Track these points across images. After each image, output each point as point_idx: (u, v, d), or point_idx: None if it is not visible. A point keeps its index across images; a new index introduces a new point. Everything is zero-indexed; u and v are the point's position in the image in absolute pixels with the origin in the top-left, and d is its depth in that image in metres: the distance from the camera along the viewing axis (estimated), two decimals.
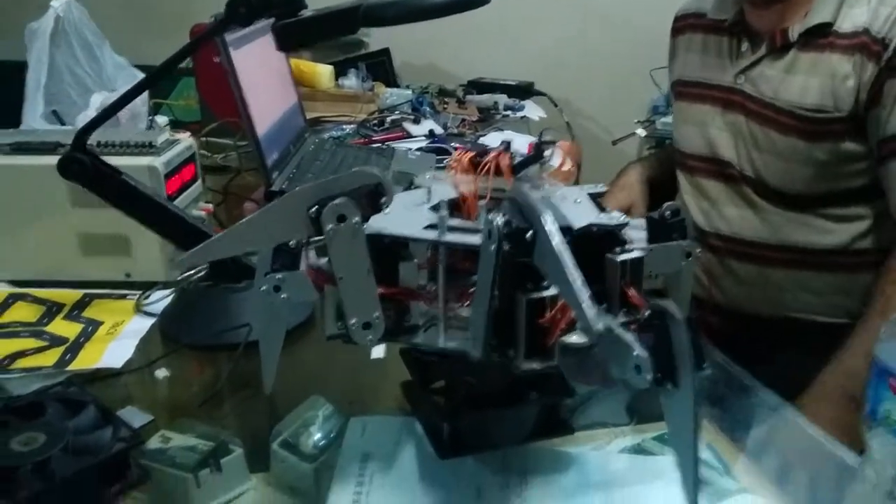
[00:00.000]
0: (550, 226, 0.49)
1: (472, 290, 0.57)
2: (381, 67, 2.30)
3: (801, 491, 0.67)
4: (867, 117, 1.11)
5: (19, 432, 0.62)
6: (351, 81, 2.08)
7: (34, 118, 1.31)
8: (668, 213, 0.70)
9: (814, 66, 1.14)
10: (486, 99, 2.09)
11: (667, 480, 0.66)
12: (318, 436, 0.73)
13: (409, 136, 1.80)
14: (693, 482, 0.57)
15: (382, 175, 0.57)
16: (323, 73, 2.03)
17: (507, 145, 0.65)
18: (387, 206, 0.58)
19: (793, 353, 1.05)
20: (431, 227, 0.60)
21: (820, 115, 1.12)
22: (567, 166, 0.63)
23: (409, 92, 2.08)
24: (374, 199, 0.58)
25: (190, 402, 0.80)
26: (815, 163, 1.15)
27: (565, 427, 0.72)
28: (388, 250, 0.60)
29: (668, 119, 2.06)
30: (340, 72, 2.11)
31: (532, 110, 2.10)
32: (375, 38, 2.44)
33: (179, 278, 1.02)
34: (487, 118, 1.99)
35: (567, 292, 0.46)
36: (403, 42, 2.44)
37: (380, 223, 0.60)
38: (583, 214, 0.61)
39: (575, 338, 0.84)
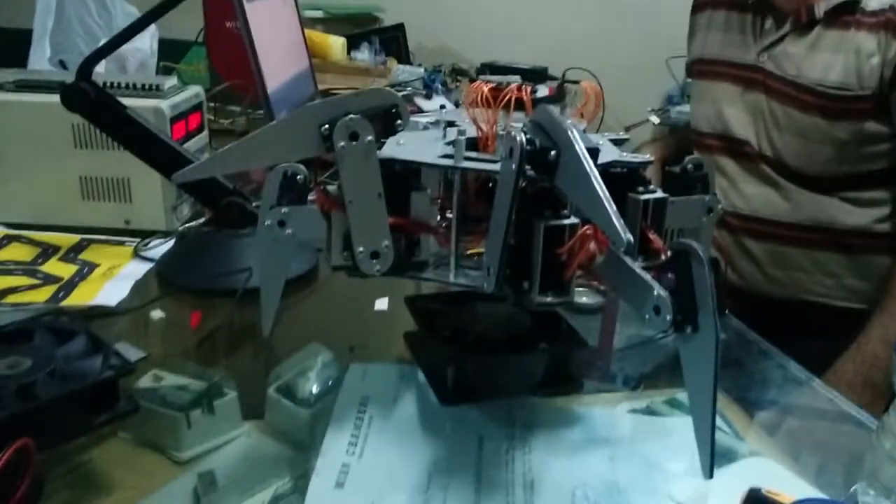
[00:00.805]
0: (577, 141, 0.46)
1: (487, 229, 0.55)
2: (394, 43, 2.26)
3: (814, 456, 0.64)
4: (891, 97, 1.08)
5: (5, 356, 0.59)
6: (363, 55, 2.05)
7: (40, 63, 1.28)
8: (690, 165, 0.68)
9: (838, 44, 1.11)
10: (499, 79, 2.05)
11: (675, 441, 0.63)
12: (315, 383, 0.71)
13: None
14: (709, 435, 0.55)
15: (399, 97, 0.54)
16: (335, 44, 2.00)
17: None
18: (402, 129, 0.55)
19: (807, 338, 1.02)
20: (447, 157, 0.57)
21: (842, 93, 1.10)
22: (591, 106, 0.60)
23: (422, 70, 2.05)
24: (388, 120, 0.55)
25: (185, 345, 0.78)
26: (836, 142, 1.12)
27: (574, 383, 0.69)
28: (400, 179, 0.57)
29: (682, 108, 2.03)
30: (353, 45, 2.08)
31: (545, 93, 2.07)
32: (390, 14, 2.42)
33: (181, 227, 1.00)
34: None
35: (593, 206, 0.43)
36: (418, 22, 2.42)
37: (393, 150, 0.57)
38: (605, 154, 0.59)
39: (586, 298, 0.83)
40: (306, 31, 1.76)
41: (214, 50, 1.76)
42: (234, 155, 0.55)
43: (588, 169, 0.44)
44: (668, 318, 0.50)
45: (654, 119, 2.16)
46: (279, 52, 1.39)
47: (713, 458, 0.55)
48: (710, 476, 0.55)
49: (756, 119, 1.20)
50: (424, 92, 1.87)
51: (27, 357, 0.58)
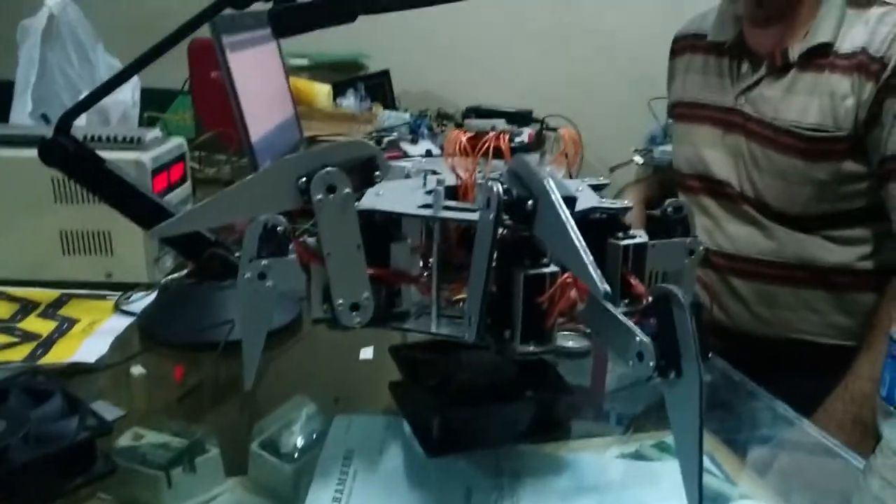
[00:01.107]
0: (553, 191, 0.46)
1: (468, 278, 0.54)
2: (379, 89, 2.29)
3: (805, 497, 0.64)
4: (867, 137, 1.10)
5: None
6: (349, 101, 2.07)
7: (22, 117, 1.28)
8: (670, 209, 0.68)
9: (813, 87, 1.13)
10: (484, 123, 2.07)
11: (665, 486, 0.62)
12: (300, 436, 0.70)
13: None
14: (697, 482, 0.54)
15: (376, 148, 0.54)
16: (320, 91, 2.02)
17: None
18: (380, 180, 0.55)
19: (794, 376, 1.02)
20: (426, 206, 0.57)
21: (819, 134, 1.11)
22: (570, 153, 0.60)
23: (407, 115, 2.07)
24: (366, 172, 0.55)
25: (166, 401, 0.76)
26: (816, 183, 1.13)
27: (561, 429, 0.68)
28: (380, 229, 0.57)
29: (665, 148, 2.05)
30: (339, 92, 2.10)
31: (525, 139, 2.09)
32: (375, 60, 2.44)
33: (163, 280, 0.99)
34: None
35: (570, 257, 0.43)
36: (403, 68, 2.45)
37: (371, 201, 0.57)
38: (584, 200, 0.59)
39: (572, 342, 0.82)
40: (291, 78, 1.78)
41: (200, 99, 1.76)
42: (212, 210, 0.54)
43: (564, 219, 0.44)
44: (652, 364, 0.50)
45: (638, 159, 2.17)
46: (264, 100, 1.40)
47: (701, 502, 0.54)
48: None
49: (737, 161, 1.21)
50: (410, 137, 1.88)
51: (1, 420, 0.57)
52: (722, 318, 1.24)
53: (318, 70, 2.27)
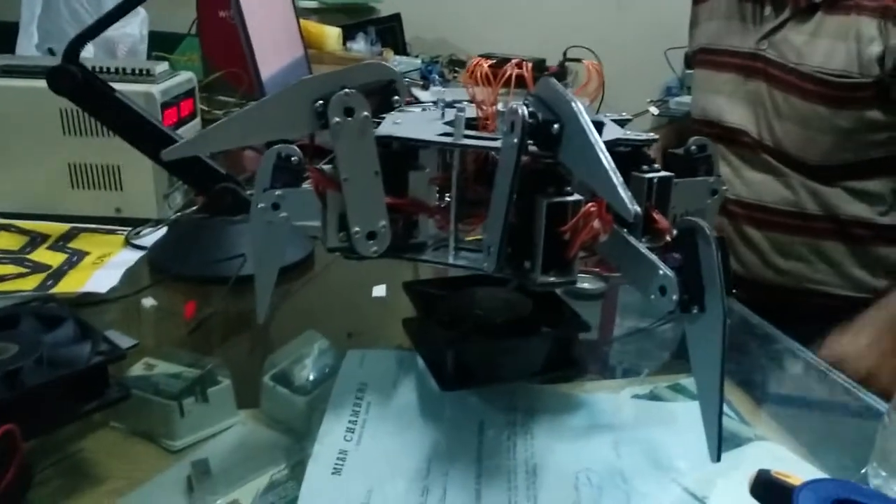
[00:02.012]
0: (581, 113, 0.44)
1: (486, 214, 0.53)
2: (390, 34, 2.25)
3: (820, 439, 0.63)
4: (893, 84, 1.07)
5: None
6: (359, 45, 2.03)
7: (28, 50, 1.26)
8: (693, 147, 0.66)
9: (840, 30, 1.09)
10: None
11: (681, 426, 0.62)
12: (312, 370, 0.69)
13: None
14: (717, 420, 0.53)
15: (396, 72, 0.53)
16: (330, 35, 1.98)
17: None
18: (399, 105, 0.53)
19: (808, 326, 1.01)
20: (446, 135, 0.55)
21: (844, 80, 1.08)
22: (593, 85, 0.58)
23: (419, 61, 2.04)
24: (385, 96, 0.53)
25: (177, 333, 0.76)
26: (837, 130, 1.11)
27: (576, 368, 0.67)
28: (398, 158, 0.55)
29: (681, 99, 2.02)
30: (349, 36, 2.07)
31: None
32: (386, 4, 2.40)
33: (173, 216, 0.98)
34: None
35: (599, 179, 0.42)
36: (415, 13, 2.40)
37: (389, 128, 0.55)
38: (609, 132, 0.57)
39: (587, 284, 0.81)
40: (301, 21, 1.75)
41: (207, 40, 1.75)
42: (226, 131, 0.53)
43: (593, 140, 0.42)
44: (675, 298, 0.49)
45: (654, 110, 2.14)
46: (273, 39, 1.37)
47: (720, 440, 0.53)
48: (718, 459, 0.53)
49: (756, 108, 1.19)
50: (422, 83, 1.86)
51: (13, 343, 0.57)
52: (736, 267, 1.22)
53: (327, 13, 2.24)
